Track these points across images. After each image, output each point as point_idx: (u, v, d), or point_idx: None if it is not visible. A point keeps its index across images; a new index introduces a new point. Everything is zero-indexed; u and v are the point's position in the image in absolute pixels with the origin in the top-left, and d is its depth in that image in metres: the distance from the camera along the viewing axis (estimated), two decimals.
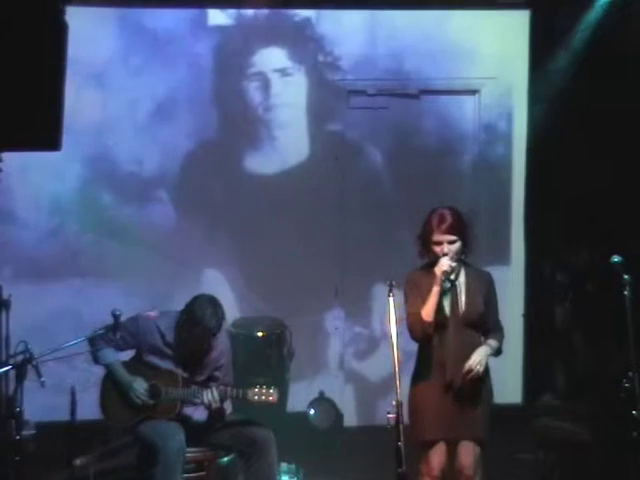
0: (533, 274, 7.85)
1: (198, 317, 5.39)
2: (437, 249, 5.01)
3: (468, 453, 5.08)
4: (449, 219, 5.00)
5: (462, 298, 5.06)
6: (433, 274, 4.99)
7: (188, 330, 5.45)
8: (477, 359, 4.99)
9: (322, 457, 6.89)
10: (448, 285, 5.04)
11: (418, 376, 5.13)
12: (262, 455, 5.48)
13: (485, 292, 5.13)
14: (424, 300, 4.99)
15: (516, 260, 7.92)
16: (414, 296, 5.06)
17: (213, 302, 5.47)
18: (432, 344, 5.05)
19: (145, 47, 7.55)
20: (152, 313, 5.63)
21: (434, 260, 5.03)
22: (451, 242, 4.99)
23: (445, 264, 4.96)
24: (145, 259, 7.45)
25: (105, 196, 7.58)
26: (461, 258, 5.09)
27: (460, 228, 5.02)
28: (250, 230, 7.55)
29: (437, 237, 5.00)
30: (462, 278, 5.10)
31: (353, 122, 7.81)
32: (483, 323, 5.11)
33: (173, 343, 5.52)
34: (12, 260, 7.42)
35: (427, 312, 4.98)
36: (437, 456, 5.07)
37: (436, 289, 4.96)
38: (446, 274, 4.96)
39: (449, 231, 4.99)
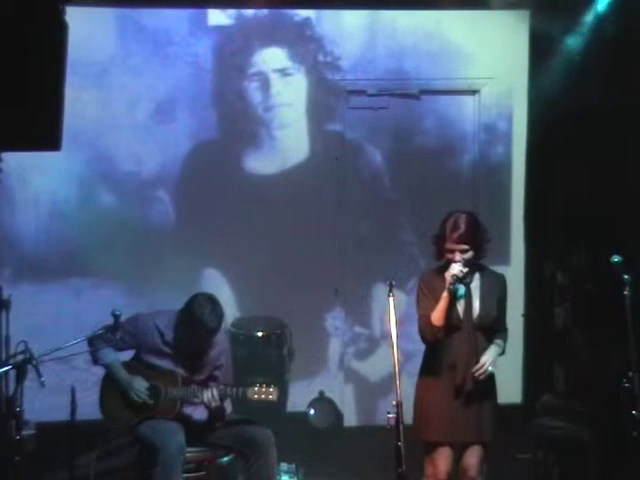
0: (533, 274, 7.85)
1: (197, 316, 5.39)
2: (449, 256, 5.00)
3: (473, 454, 5.09)
4: (462, 227, 4.97)
5: (476, 302, 5.05)
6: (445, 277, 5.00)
7: (188, 329, 5.45)
8: (489, 358, 5.00)
9: (322, 457, 6.89)
10: (463, 290, 5.03)
11: (426, 376, 5.14)
12: (262, 455, 5.48)
13: (498, 295, 5.13)
14: (437, 302, 4.98)
15: (516, 260, 7.91)
16: (427, 298, 5.05)
17: (212, 300, 5.47)
18: (443, 346, 5.04)
19: (145, 47, 7.54)
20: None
21: (447, 263, 5.02)
22: (463, 251, 4.98)
23: (456, 269, 4.94)
24: (145, 259, 7.45)
25: (105, 196, 7.58)
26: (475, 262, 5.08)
27: (473, 236, 4.99)
28: (250, 230, 7.55)
29: (449, 245, 4.99)
30: (476, 282, 5.08)
31: (353, 122, 7.81)
32: (495, 326, 5.12)
33: (172, 342, 5.52)
34: (12, 260, 7.42)
35: (437, 317, 4.97)
36: (444, 459, 5.07)
37: (445, 294, 4.94)
38: (455, 278, 4.94)
39: (461, 240, 4.97)
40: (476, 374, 4.97)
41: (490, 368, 4.99)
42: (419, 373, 5.18)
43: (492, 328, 5.11)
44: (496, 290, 5.12)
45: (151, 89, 7.57)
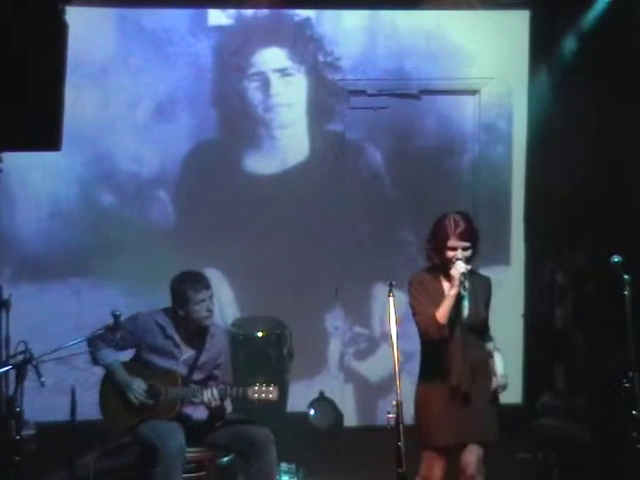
0: (533, 274, 7.85)
1: (182, 288, 5.52)
2: (451, 254, 4.98)
3: (472, 452, 5.07)
4: (463, 225, 4.99)
5: (465, 304, 5.05)
6: (439, 277, 5.03)
7: (183, 306, 5.51)
8: (503, 373, 5.12)
9: (322, 457, 6.90)
10: (464, 291, 5.03)
11: (424, 380, 5.14)
12: (262, 455, 5.48)
13: (485, 297, 5.15)
14: (433, 301, 4.98)
15: (516, 260, 7.91)
16: (422, 296, 5.04)
17: (184, 272, 5.62)
18: (436, 350, 5.04)
19: (145, 47, 7.55)
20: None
21: (441, 264, 5.02)
22: (465, 248, 4.99)
23: (462, 266, 4.94)
24: (145, 259, 7.45)
25: (105, 196, 7.59)
26: None
27: (473, 234, 5.03)
28: (250, 230, 7.55)
29: (453, 242, 4.98)
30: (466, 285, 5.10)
31: (353, 122, 7.81)
32: (483, 327, 5.14)
33: (175, 332, 5.54)
34: (12, 260, 7.43)
35: (442, 315, 4.95)
36: (442, 460, 5.08)
37: (454, 291, 4.93)
38: (464, 276, 4.94)
39: (464, 237, 4.98)
40: (499, 392, 5.07)
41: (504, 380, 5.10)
42: (417, 381, 5.18)
43: (483, 329, 5.13)
44: (483, 292, 5.15)
45: (151, 89, 7.58)
